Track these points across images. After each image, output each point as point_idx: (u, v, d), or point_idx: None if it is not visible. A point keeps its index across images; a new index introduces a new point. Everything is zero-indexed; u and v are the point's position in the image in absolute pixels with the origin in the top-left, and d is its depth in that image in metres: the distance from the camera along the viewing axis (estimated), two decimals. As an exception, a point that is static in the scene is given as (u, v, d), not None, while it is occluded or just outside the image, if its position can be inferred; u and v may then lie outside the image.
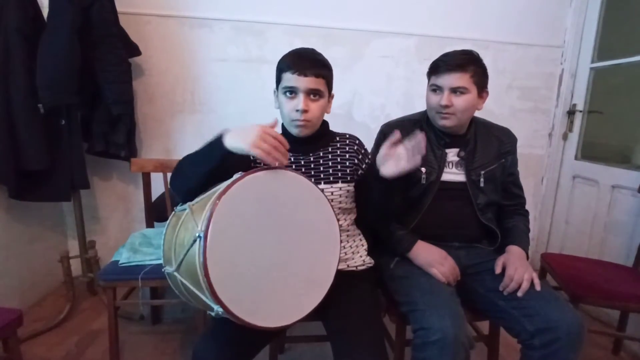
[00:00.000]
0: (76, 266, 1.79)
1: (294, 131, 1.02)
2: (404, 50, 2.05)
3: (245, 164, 1.00)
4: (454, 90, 1.07)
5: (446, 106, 1.08)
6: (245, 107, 2.00)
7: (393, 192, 0.99)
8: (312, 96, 0.98)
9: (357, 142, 1.11)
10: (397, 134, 0.92)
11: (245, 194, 0.79)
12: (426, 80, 1.19)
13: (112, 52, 1.66)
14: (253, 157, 1.03)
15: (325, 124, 1.09)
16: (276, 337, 1.12)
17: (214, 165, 0.86)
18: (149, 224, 1.60)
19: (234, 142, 0.83)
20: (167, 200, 1.55)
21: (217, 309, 0.73)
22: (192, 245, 0.76)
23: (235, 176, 0.81)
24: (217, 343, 0.87)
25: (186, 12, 1.90)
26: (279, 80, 1.01)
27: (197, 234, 0.74)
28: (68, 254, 1.69)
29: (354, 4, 1.98)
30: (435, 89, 1.11)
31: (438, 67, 1.10)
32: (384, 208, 1.05)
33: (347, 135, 1.12)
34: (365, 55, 2.04)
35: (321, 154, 1.06)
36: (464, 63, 1.07)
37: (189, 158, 0.96)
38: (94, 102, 1.70)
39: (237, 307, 0.74)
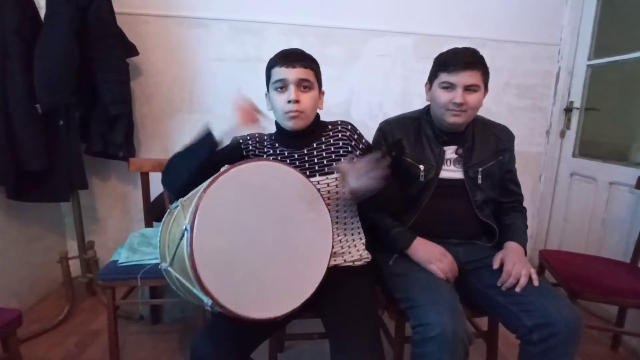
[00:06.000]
0: (75, 267, 1.79)
1: (287, 125, 1.02)
2: (401, 48, 2.06)
3: (236, 159, 1.00)
4: (467, 88, 1.07)
5: (461, 104, 1.07)
6: (243, 107, 2.00)
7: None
8: (302, 88, 0.99)
9: (349, 127, 1.10)
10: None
11: (233, 186, 0.80)
12: (424, 78, 1.19)
13: (109, 52, 1.66)
14: (246, 152, 1.06)
15: (317, 117, 1.10)
16: (275, 332, 1.12)
17: (205, 157, 0.89)
18: (148, 224, 1.60)
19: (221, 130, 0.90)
20: (165, 199, 1.56)
21: (207, 301, 0.74)
22: (181, 239, 0.77)
23: (222, 169, 0.82)
24: (215, 339, 0.87)
25: (183, 12, 1.90)
26: (268, 78, 1.03)
27: (184, 227, 0.75)
28: (67, 255, 1.69)
29: (352, 3, 1.98)
30: (447, 86, 1.09)
31: (451, 65, 1.07)
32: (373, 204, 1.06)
33: (339, 122, 1.11)
34: (363, 54, 2.04)
35: (314, 146, 1.07)
36: (476, 61, 1.07)
37: (178, 155, 0.98)
38: (92, 102, 1.70)
39: (225, 298, 0.75)
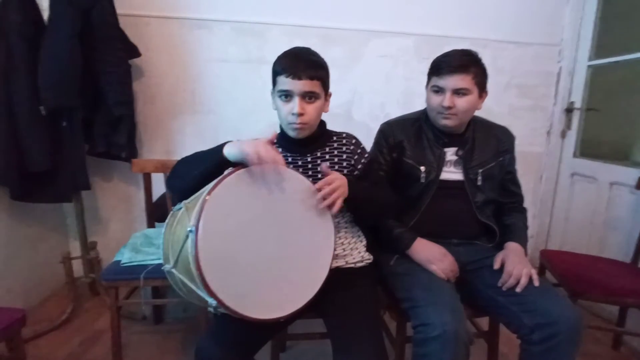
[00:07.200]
0: (78, 267, 1.80)
1: (291, 133, 1.02)
2: (402, 49, 2.06)
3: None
4: (456, 92, 1.07)
5: (449, 107, 1.08)
6: (245, 108, 2.01)
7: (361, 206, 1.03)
8: (307, 99, 0.98)
9: (353, 141, 1.11)
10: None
11: (237, 188, 0.81)
12: (425, 79, 1.20)
13: (112, 54, 1.67)
14: None
15: (322, 124, 1.10)
16: (278, 333, 1.13)
17: (209, 168, 0.87)
18: (150, 224, 1.61)
19: (232, 149, 0.87)
20: (167, 200, 1.56)
21: (211, 302, 0.74)
22: (185, 240, 0.78)
23: (227, 171, 0.83)
24: (219, 341, 0.88)
25: (186, 14, 1.91)
26: (274, 82, 1.02)
27: (189, 229, 0.75)
28: (70, 255, 1.70)
29: (353, 4, 1.99)
30: (437, 89, 1.11)
31: (440, 68, 1.09)
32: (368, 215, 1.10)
33: (344, 135, 1.12)
34: (365, 55, 2.05)
35: (318, 154, 1.07)
36: (466, 64, 1.07)
37: (186, 160, 0.98)
38: (95, 103, 1.71)
39: (229, 299, 0.75)
